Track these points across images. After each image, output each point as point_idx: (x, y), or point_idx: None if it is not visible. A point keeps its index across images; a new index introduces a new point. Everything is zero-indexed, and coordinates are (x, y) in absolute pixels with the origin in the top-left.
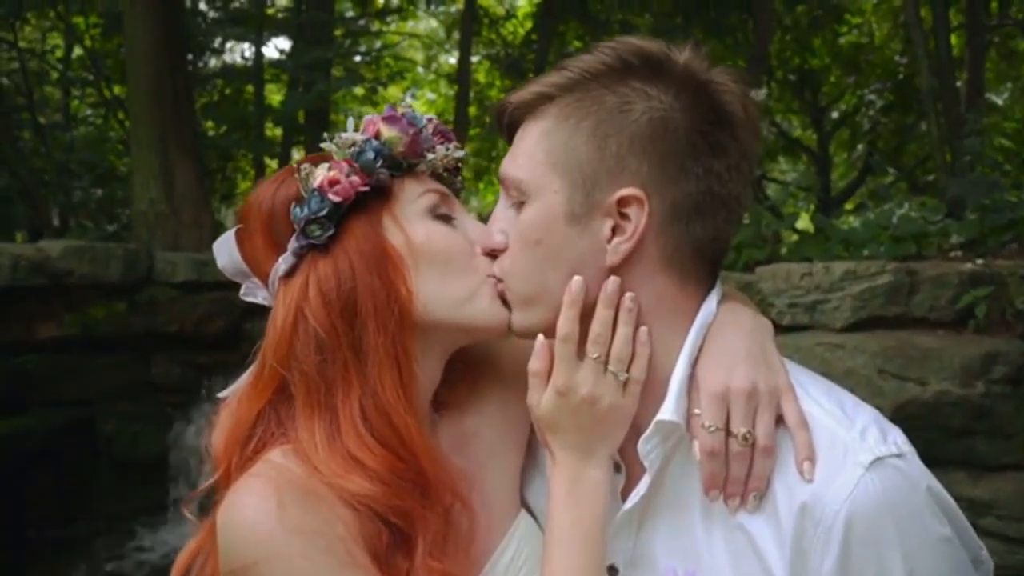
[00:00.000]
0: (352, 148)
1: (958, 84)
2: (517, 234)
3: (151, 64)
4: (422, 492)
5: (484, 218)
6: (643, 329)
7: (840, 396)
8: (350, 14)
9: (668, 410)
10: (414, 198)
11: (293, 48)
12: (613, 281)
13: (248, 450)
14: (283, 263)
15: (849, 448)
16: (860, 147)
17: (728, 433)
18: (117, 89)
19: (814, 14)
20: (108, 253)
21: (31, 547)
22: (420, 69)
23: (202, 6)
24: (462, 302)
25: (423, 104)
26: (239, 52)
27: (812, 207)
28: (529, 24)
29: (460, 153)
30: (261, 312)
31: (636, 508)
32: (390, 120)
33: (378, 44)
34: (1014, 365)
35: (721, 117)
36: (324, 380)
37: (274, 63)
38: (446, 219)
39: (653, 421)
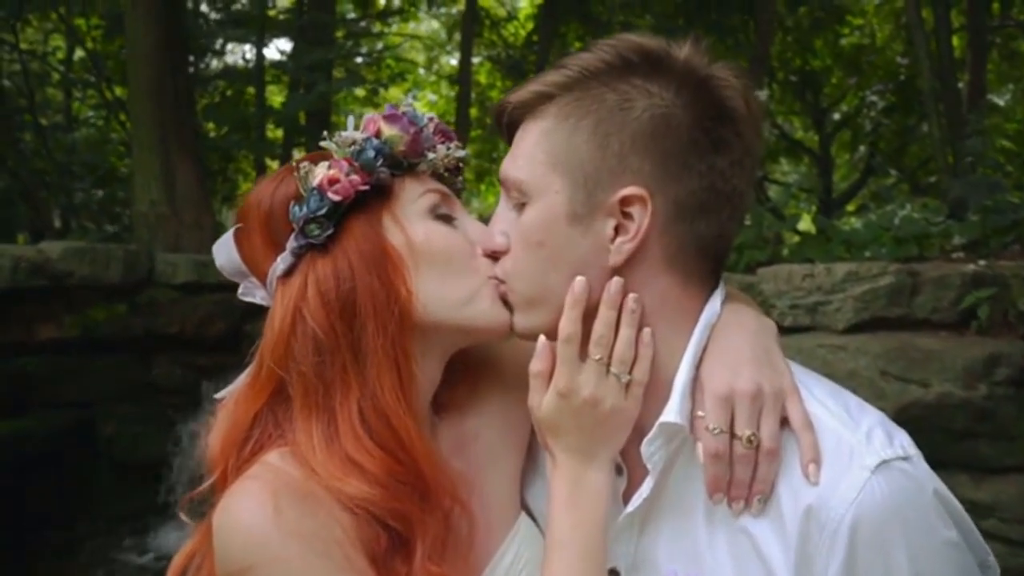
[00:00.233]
0: (352, 147)
1: (960, 85)
2: (519, 235)
3: (152, 65)
4: (421, 495)
5: (485, 219)
6: (646, 331)
7: (845, 398)
8: (351, 15)
9: (672, 412)
10: (414, 198)
11: (294, 49)
12: (616, 282)
13: (245, 452)
14: (281, 263)
15: (855, 451)
16: (862, 148)
17: (732, 435)
18: (118, 90)
19: (815, 15)
20: (108, 254)
21: (31, 549)
22: (421, 70)
23: (203, 8)
24: (462, 303)
25: (424, 105)
26: (240, 54)
27: (814, 208)
28: (530, 25)
29: (461, 153)
30: (262, 313)
31: (638, 511)
32: (391, 119)
33: (379, 45)
34: (1017, 367)
35: (723, 113)
36: (322, 381)
37: (275, 64)
38: (447, 219)
39: (656, 423)
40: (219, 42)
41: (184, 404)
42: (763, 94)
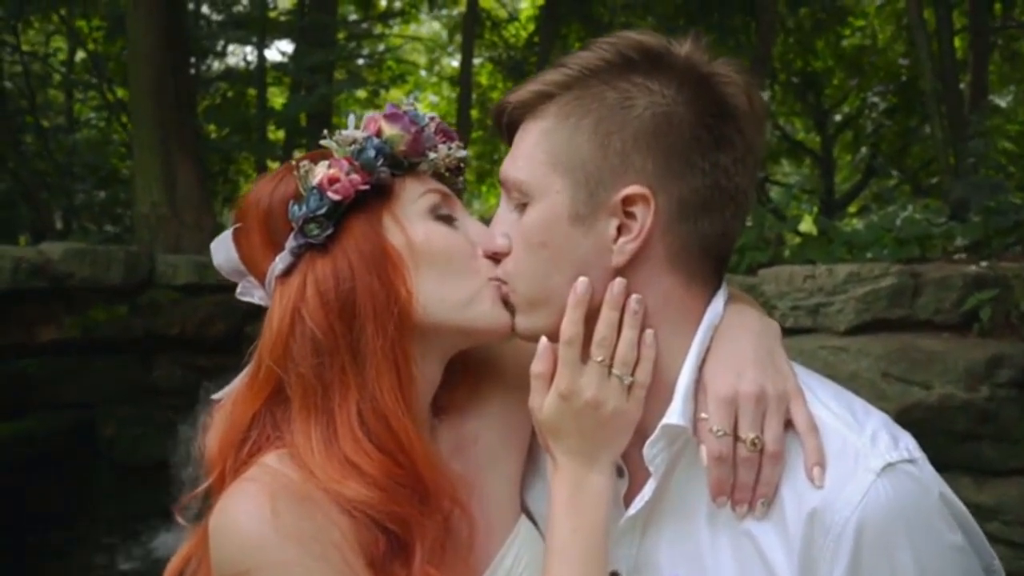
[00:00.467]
0: (353, 146)
1: (961, 86)
2: (520, 236)
3: (153, 67)
4: (420, 498)
5: (486, 220)
6: (649, 332)
7: (849, 400)
8: (353, 17)
9: (675, 414)
10: (415, 198)
11: (295, 51)
12: (619, 283)
13: (243, 453)
14: (280, 262)
15: (860, 453)
16: (863, 150)
17: (736, 438)
18: (120, 92)
19: (817, 16)
20: (109, 256)
21: (31, 550)
22: (422, 72)
23: (204, 9)
24: (462, 304)
25: (425, 107)
26: (241, 55)
27: (815, 210)
28: (531, 27)
29: (462, 153)
30: (263, 315)
31: (640, 514)
32: (392, 118)
33: (381, 47)
34: (1020, 368)
35: (725, 110)
36: (321, 383)
37: (276, 66)
38: (447, 220)
39: (659, 425)
40: (220, 44)
41: (185, 405)
42: (765, 95)
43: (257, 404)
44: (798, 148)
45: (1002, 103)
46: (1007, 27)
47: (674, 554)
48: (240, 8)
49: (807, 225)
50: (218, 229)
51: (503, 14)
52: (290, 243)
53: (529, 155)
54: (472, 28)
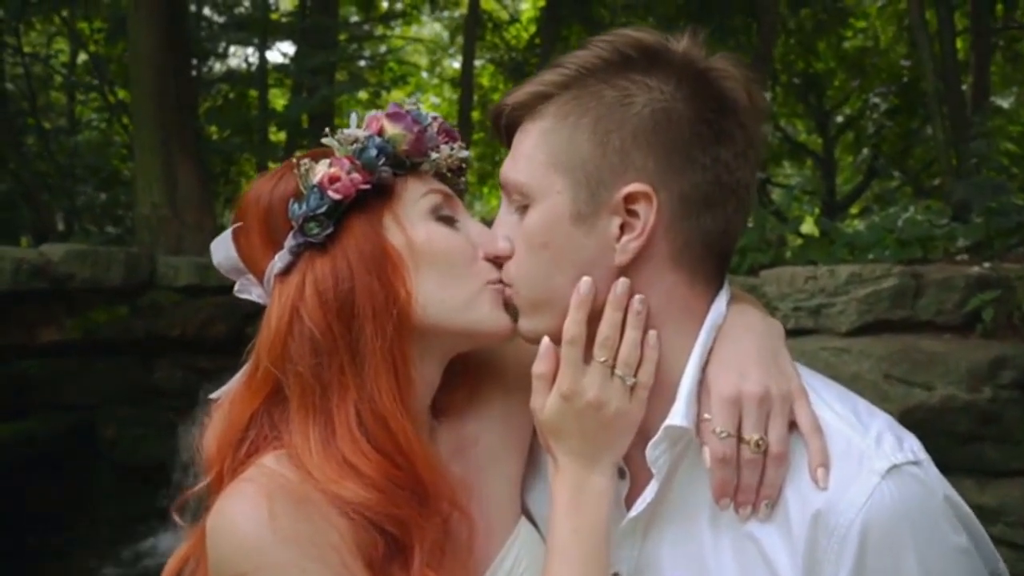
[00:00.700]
0: (354, 145)
1: (963, 87)
2: (522, 238)
3: (154, 68)
4: (419, 500)
5: (488, 222)
6: (652, 333)
7: (854, 401)
8: (354, 19)
9: (678, 415)
10: (416, 198)
11: (297, 53)
12: (623, 283)
13: (241, 453)
14: (279, 261)
15: (864, 455)
16: (865, 151)
17: (740, 439)
18: (121, 94)
19: (818, 18)
20: (110, 257)
21: (32, 551)
22: (424, 73)
23: (206, 11)
24: (462, 306)
25: (427, 108)
26: (243, 57)
27: (816, 211)
28: (533, 28)
29: (465, 153)
30: (263, 315)
31: (642, 516)
32: (394, 117)
33: (382, 48)
34: (1022, 370)
35: (724, 104)
36: (319, 383)
37: (278, 67)
38: (449, 221)
39: (662, 426)
40: (222, 45)
41: (185, 407)
42: (766, 96)
43: (255, 404)
44: (799, 149)
45: (1004, 104)
46: (1009, 28)
47: (676, 556)
48: (241, 10)
49: (808, 226)
50: (219, 230)
51: (504, 16)
52: (289, 242)
53: (529, 156)
54: (473, 30)
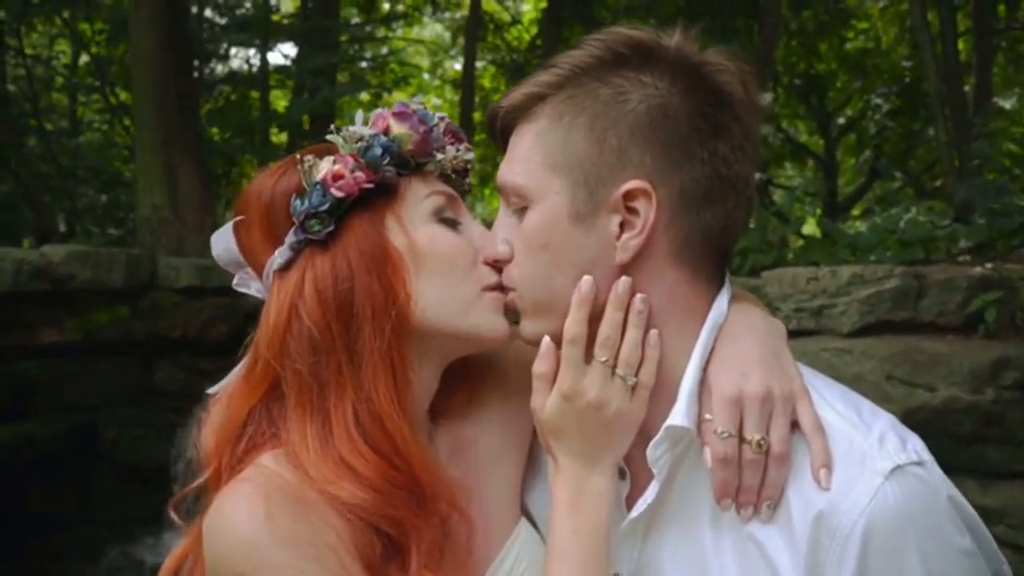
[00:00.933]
0: (359, 142)
1: (966, 88)
2: (521, 241)
3: (155, 70)
4: (417, 501)
5: (489, 224)
6: (653, 332)
7: (856, 401)
8: (355, 20)
9: (679, 415)
10: (420, 199)
11: (298, 54)
12: (624, 281)
13: (239, 449)
14: (279, 256)
15: (867, 455)
16: (867, 152)
17: (741, 439)
18: (123, 95)
19: (820, 19)
20: (111, 258)
21: (32, 552)
22: (425, 75)
23: (207, 12)
24: (461, 311)
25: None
26: (244, 58)
27: (818, 212)
28: (534, 30)
29: (470, 155)
30: None
31: (642, 516)
32: (401, 116)
33: (384, 50)
34: None
35: (720, 98)
36: (317, 381)
37: (279, 69)
38: (452, 223)
39: (663, 426)
40: (223, 46)
41: (186, 408)
42: (768, 98)
43: (254, 399)
44: (801, 151)
45: (1006, 105)
46: (1011, 29)
47: (677, 557)
48: (243, 11)
49: (810, 228)
50: None
51: (506, 17)
52: (290, 238)
53: (525, 158)
54: (475, 31)
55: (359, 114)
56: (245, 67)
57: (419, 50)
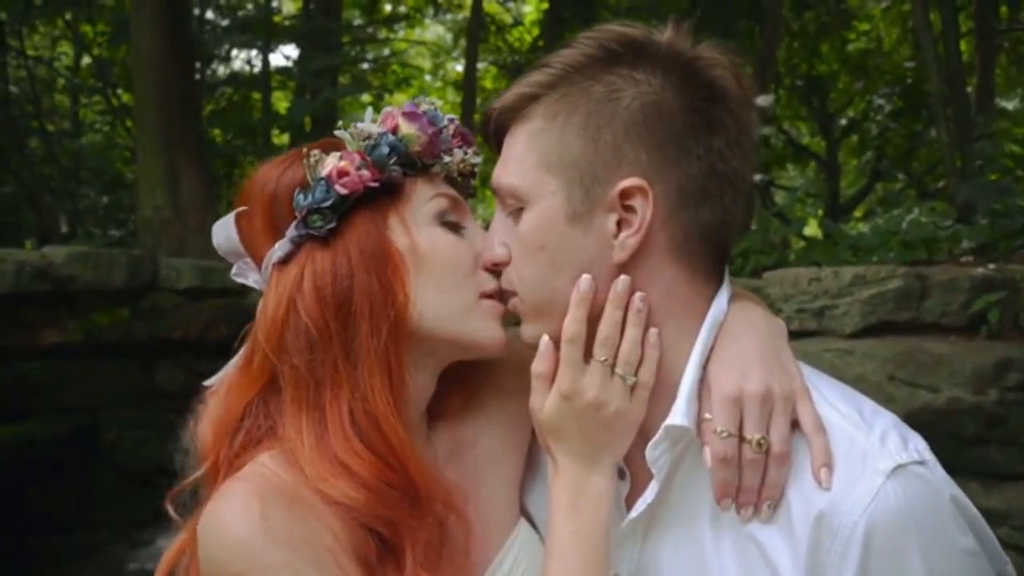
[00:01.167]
0: (367, 140)
1: (968, 89)
2: (518, 243)
3: (157, 71)
4: (411, 501)
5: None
6: (653, 331)
7: (858, 400)
8: (357, 22)
9: (678, 414)
10: (424, 201)
11: (300, 55)
12: (623, 280)
13: (236, 443)
14: (279, 249)
15: (869, 455)
16: (869, 153)
17: (741, 439)
18: (124, 96)
19: (822, 20)
20: (112, 259)
21: (32, 554)
22: (427, 76)
23: (209, 14)
24: (459, 316)
25: None
26: (246, 59)
27: (820, 213)
28: (536, 31)
29: (478, 160)
30: None
31: (642, 517)
32: (410, 116)
33: (385, 51)
34: None
35: (714, 93)
36: (313, 377)
37: (281, 70)
38: (455, 227)
39: (662, 426)
40: (225, 48)
41: (187, 409)
42: (770, 99)
43: (252, 393)
44: (803, 152)
45: (1008, 106)
46: (1014, 30)
47: (677, 558)
48: (245, 13)
49: (812, 229)
50: None
51: (507, 18)
52: (291, 232)
53: (519, 159)
54: (476, 32)
55: (369, 111)
56: (247, 68)
57: (421, 51)
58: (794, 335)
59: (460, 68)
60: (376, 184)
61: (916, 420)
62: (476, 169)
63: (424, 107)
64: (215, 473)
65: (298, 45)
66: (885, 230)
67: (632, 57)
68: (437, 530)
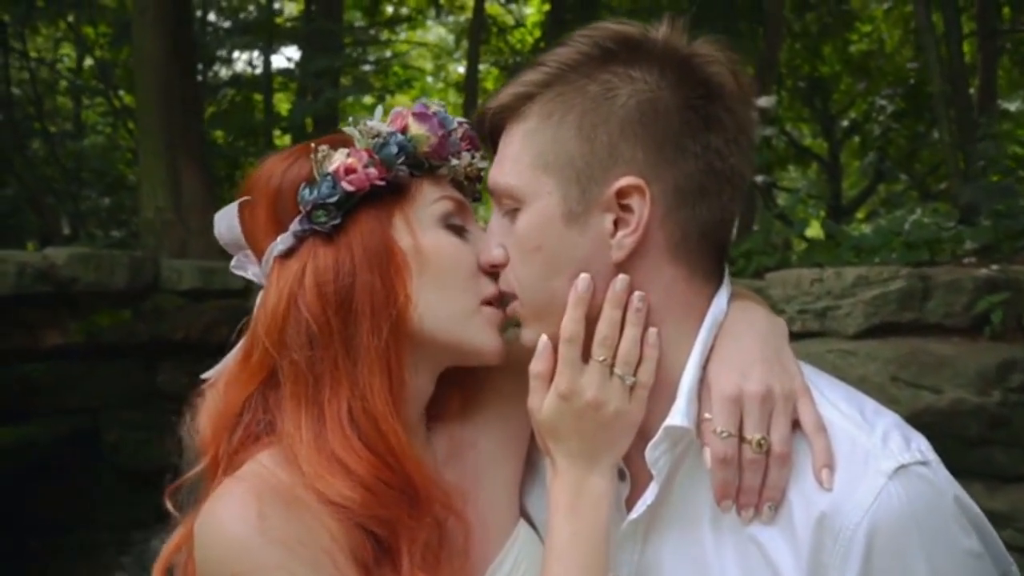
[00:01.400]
0: (376, 138)
1: (970, 90)
2: (515, 244)
3: (159, 73)
4: (409, 502)
5: None
6: (652, 331)
7: (860, 400)
8: (359, 23)
9: (678, 414)
10: (430, 202)
11: (302, 57)
12: (622, 279)
13: (235, 438)
14: (281, 243)
15: (870, 455)
16: (871, 154)
17: (741, 439)
18: (127, 98)
19: (824, 21)
20: (113, 261)
21: (33, 555)
22: (429, 78)
23: (211, 16)
24: (459, 320)
25: None
26: (248, 61)
27: (822, 214)
28: (538, 33)
29: (485, 164)
30: None
31: (642, 518)
32: (420, 117)
33: (387, 53)
34: None
35: (711, 90)
36: (312, 373)
37: (283, 71)
38: (459, 230)
39: (662, 426)
40: (227, 50)
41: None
42: (772, 100)
43: (251, 387)
44: (805, 153)
45: (1011, 107)
46: (1016, 31)
47: (677, 559)
48: (247, 14)
49: (814, 230)
50: None
51: (509, 20)
52: (295, 226)
53: (515, 159)
54: (478, 34)
55: (379, 109)
56: (249, 70)
57: (422, 53)
58: (796, 336)
59: (462, 70)
60: (382, 183)
61: (919, 421)
62: (483, 174)
63: (434, 108)
64: (214, 468)
65: (300, 47)
66: (888, 231)
67: (627, 55)
68: (436, 531)
